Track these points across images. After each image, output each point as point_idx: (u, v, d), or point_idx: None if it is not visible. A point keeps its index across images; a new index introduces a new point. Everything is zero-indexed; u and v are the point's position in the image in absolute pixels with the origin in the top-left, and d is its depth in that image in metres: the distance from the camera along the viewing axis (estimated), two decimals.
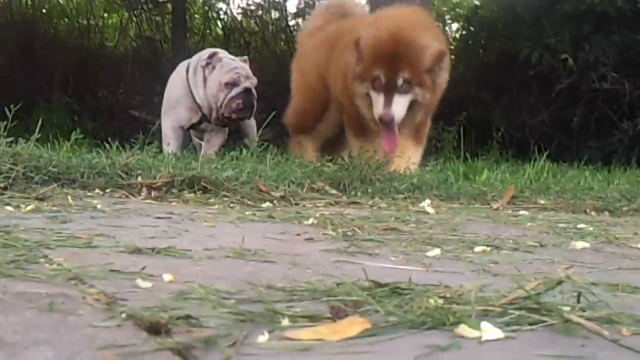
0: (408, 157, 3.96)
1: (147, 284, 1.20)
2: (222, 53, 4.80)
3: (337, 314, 1.03)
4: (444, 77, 4.08)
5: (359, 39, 3.95)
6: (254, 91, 4.59)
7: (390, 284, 1.17)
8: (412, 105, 3.95)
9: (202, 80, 4.62)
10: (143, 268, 1.31)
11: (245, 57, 4.94)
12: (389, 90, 3.86)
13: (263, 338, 0.92)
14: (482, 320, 1.00)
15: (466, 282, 1.25)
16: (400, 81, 3.84)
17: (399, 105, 3.85)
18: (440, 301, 1.09)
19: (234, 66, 4.65)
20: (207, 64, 4.62)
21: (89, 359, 0.82)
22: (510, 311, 1.05)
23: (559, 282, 1.10)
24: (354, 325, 0.98)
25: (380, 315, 1.04)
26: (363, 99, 4.03)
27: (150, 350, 0.85)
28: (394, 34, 3.89)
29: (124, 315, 0.98)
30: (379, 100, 3.87)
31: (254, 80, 4.67)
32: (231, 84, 4.53)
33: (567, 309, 1.06)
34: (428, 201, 2.76)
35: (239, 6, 9.82)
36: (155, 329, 0.93)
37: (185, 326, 0.96)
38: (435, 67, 3.93)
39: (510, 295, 1.10)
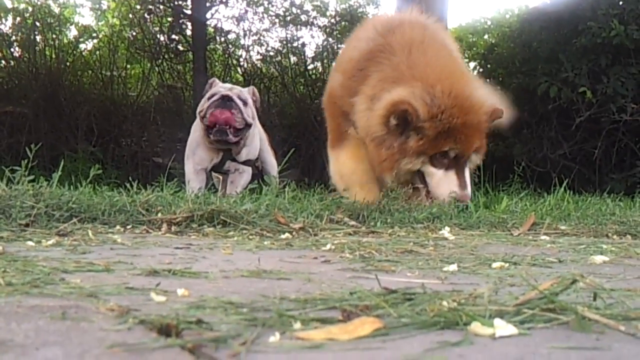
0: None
1: (160, 298, 1.20)
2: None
3: (348, 316, 1.03)
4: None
5: (411, 107, 3.20)
6: (234, 97, 4.67)
7: (402, 290, 1.16)
8: None
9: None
10: (158, 284, 1.32)
11: (252, 87, 5.05)
12: (460, 166, 3.32)
13: (274, 338, 0.92)
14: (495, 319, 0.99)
15: (480, 289, 1.24)
16: (472, 152, 3.33)
17: (469, 180, 3.36)
18: (454, 304, 1.08)
19: (222, 85, 4.87)
20: (206, 91, 4.84)
21: (98, 357, 0.83)
22: (524, 310, 1.04)
23: (573, 281, 1.09)
24: (365, 324, 0.98)
25: (392, 317, 1.03)
26: (404, 174, 3.37)
27: (159, 347, 0.86)
28: (455, 98, 3.23)
29: (135, 320, 0.98)
30: (448, 179, 3.29)
31: (237, 90, 4.78)
32: (212, 95, 4.71)
33: (582, 307, 1.05)
34: (447, 229, 2.75)
35: (258, 52, 9.95)
36: (166, 331, 0.93)
37: (196, 329, 0.96)
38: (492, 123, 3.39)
39: (524, 296, 1.09)
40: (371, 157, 3.47)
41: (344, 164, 3.71)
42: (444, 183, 3.29)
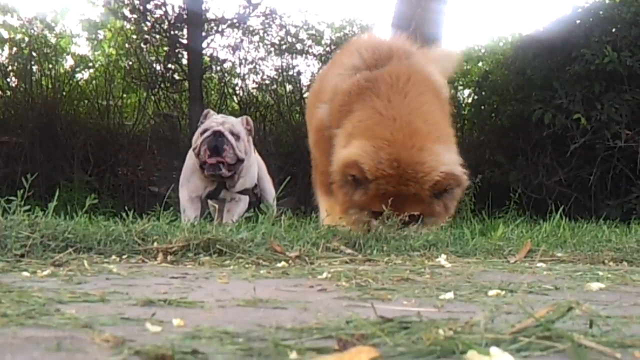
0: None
1: (156, 328, 1.20)
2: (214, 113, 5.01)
3: (344, 346, 1.02)
4: (457, 194, 3.53)
5: (360, 169, 3.33)
6: (226, 133, 4.66)
7: (398, 318, 1.16)
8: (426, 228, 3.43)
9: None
10: (153, 314, 1.31)
11: (246, 117, 5.05)
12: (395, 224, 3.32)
13: None
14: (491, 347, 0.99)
15: (477, 317, 1.24)
16: (406, 217, 3.31)
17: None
18: (450, 332, 1.08)
19: (214, 118, 4.85)
20: (201, 123, 4.84)
21: None
22: (521, 338, 1.04)
23: (569, 309, 1.09)
24: (361, 353, 0.97)
25: (389, 346, 1.03)
26: (356, 222, 3.46)
27: None
28: (397, 168, 3.29)
29: (131, 350, 0.98)
30: None
31: (229, 125, 4.76)
32: (204, 131, 4.67)
33: (578, 335, 1.04)
34: (444, 256, 2.75)
35: (254, 81, 10.01)
36: None
37: (192, 359, 0.95)
38: (445, 192, 3.40)
39: (521, 324, 1.09)
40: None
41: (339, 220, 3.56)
42: None
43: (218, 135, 4.66)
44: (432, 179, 3.32)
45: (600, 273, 2.27)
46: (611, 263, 2.76)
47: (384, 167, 3.32)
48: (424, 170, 3.32)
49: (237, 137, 4.74)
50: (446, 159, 3.42)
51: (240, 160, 4.74)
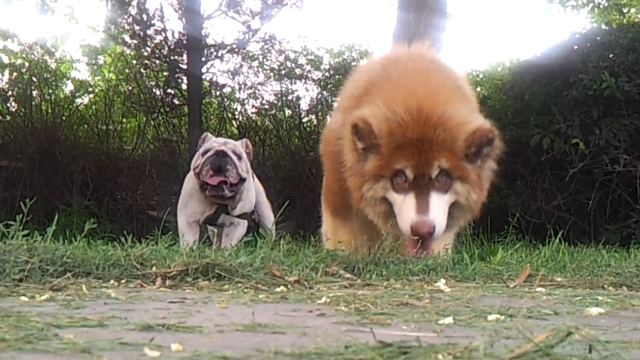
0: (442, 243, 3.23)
1: (154, 353, 1.19)
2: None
3: None
4: (490, 166, 3.12)
5: (365, 122, 2.87)
6: (229, 153, 4.68)
7: (397, 343, 1.16)
8: (454, 209, 3.00)
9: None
10: (152, 339, 1.31)
11: (244, 140, 5.08)
12: (422, 189, 2.85)
13: None
14: None
15: (476, 342, 1.24)
16: (435, 172, 2.84)
17: (439, 208, 2.85)
18: (449, 357, 1.08)
19: (215, 139, 4.89)
20: (199, 146, 4.86)
21: None
22: None
23: (569, 334, 1.09)
24: None
25: None
26: (375, 205, 3.00)
27: None
28: (416, 113, 2.83)
29: None
30: (407, 203, 2.85)
31: (231, 145, 4.78)
32: (206, 151, 4.69)
33: None
34: (443, 281, 2.74)
35: (253, 105, 10.03)
36: None
37: None
38: (480, 152, 2.93)
39: (520, 349, 1.09)
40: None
41: (341, 239, 3.34)
42: (404, 210, 2.86)
43: (221, 154, 4.67)
44: (467, 130, 2.84)
45: (600, 298, 2.26)
46: (610, 288, 2.76)
47: (402, 116, 2.82)
48: (453, 119, 2.85)
49: (239, 157, 4.76)
50: (475, 117, 2.99)
51: (242, 180, 4.76)
